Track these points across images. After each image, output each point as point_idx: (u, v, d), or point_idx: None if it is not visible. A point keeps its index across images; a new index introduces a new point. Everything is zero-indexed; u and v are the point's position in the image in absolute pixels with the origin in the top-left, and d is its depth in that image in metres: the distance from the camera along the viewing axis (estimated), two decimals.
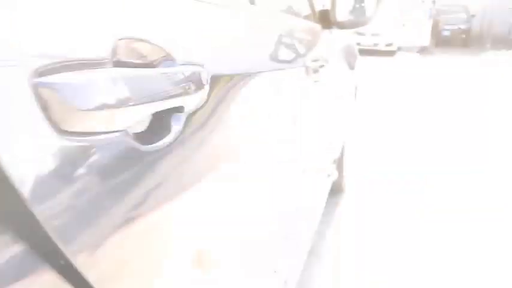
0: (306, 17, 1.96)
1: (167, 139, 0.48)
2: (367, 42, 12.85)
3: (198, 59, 0.56)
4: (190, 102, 0.52)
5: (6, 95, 0.32)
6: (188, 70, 0.52)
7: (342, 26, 2.00)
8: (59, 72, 0.35)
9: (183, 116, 0.51)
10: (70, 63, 0.37)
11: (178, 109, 0.51)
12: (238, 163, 0.73)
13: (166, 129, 0.49)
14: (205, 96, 0.56)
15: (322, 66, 1.45)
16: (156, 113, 0.47)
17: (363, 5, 2.08)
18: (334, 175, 2.41)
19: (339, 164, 2.59)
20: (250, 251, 0.88)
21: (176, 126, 0.50)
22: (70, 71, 0.36)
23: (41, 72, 0.34)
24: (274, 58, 1.00)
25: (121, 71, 0.41)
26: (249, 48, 0.84)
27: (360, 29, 12.86)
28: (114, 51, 0.41)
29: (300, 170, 1.32)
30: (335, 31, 2.30)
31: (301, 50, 1.31)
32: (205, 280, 0.65)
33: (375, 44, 12.85)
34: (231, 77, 0.68)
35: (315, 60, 1.40)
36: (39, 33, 0.36)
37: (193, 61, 0.55)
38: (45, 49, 0.36)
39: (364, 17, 2.00)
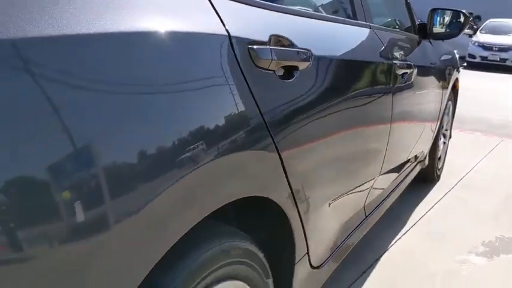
0: (407, 29, 2.47)
1: (291, 79, 1.08)
2: (495, 57, 12.45)
3: (307, 47, 1.15)
4: (301, 65, 1.12)
5: (238, 53, 0.93)
6: (301, 51, 1.12)
7: (436, 37, 2.47)
8: (255, 44, 0.97)
9: (298, 72, 1.11)
10: (255, 41, 0.98)
11: (296, 68, 1.11)
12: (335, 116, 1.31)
13: (291, 76, 1.09)
14: (310, 63, 1.15)
15: (408, 66, 1.95)
16: (286, 67, 1.07)
17: (459, 20, 2.51)
18: (425, 162, 2.85)
19: (432, 156, 3.00)
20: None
21: (295, 75, 1.10)
22: (254, 44, 0.97)
23: (249, 43, 0.96)
24: (365, 55, 1.57)
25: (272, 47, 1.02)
26: (343, 45, 1.44)
27: (488, 43, 12.54)
28: (269, 39, 1.02)
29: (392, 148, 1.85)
30: (439, 43, 2.77)
31: (392, 52, 1.84)
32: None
33: (502, 60, 12.37)
34: (327, 58, 1.27)
35: (403, 61, 1.92)
36: (250, 30, 0.99)
37: (304, 47, 1.14)
38: (250, 36, 0.98)
39: (457, 30, 2.44)
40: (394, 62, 1.80)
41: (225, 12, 0.93)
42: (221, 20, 0.90)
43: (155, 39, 0.74)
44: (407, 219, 2.60)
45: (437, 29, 2.50)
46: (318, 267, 1.40)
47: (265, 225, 1.16)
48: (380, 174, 1.89)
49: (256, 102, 0.95)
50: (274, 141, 1.00)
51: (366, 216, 1.88)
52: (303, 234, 1.22)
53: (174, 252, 0.76)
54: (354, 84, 1.44)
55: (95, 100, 0.62)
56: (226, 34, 0.90)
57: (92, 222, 0.59)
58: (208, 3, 0.90)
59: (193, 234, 0.80)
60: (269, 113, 0.99)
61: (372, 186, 1.84)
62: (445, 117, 3.12)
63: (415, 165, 2.64)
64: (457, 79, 3.20)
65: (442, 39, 2.57)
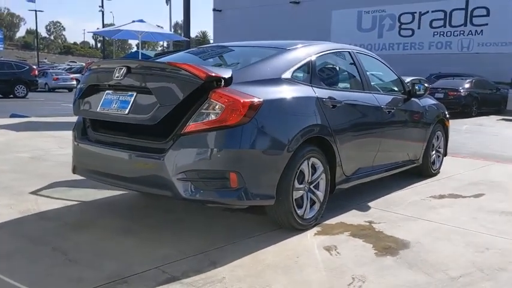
0: (403, 93, 5.13)
1: (334, 109, 3.84)
2: None
3: (340, 99, 3.94)
4: (337, 104, 3.89)
5: (320, 101, 3.72)
6: (338, 100, 3.88)
7: (415, 96, 5.11)
8: (324, 99, 3.75)
9: (337, 106, 3.88)
10: (324, 98, 3.76)
11: (336, 105, 3.88)
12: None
13: (335, 107, 3.86)
14: (341, 104, 3.92)
15: (392, 108, 4.62)
16: (333, 104, 3.84)
17: (426, 86, 5.17)
18: (419, 161, 5.35)
19: (426, 160, 5.47)
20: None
21: (336, 107, 3.86)
22: (324, 99, 3.76)
23: (323, 98, 3.76)
24: (365, 103, 4.30)
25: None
26: (356, 100, 4.22)
27: None
28: (328, 97, 3.80)
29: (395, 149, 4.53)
30: (426, 98, 5.41)
31: (382, 102, 4.53)
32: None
33: None
34: (348, 103, 4.03)
35: (388, 106, 4.60)
36: None
37: (339, 99, 3.92)
38: (323, 96, 3.77)
39: (423, 92, 5.11)
40: (382, 106, 4.49)
41: (317, 90, 3.74)
42: (315, 92, 3.71)
43: (297, 100, 3.55)
44: (405, 186, 5.12)
45: (418, 91, 5.13)
46: (346, 176, 4.06)
47: (325, 149, 3.83)
48: (377, 154, 4.49)
49: (325, 115, 3.72)
50: (330, 128, 3.74)
51: (373, 171, 4.50)
52: (338, 155, 3.89)
53: (300, 148, 3.48)
54: (361, 114, 4.19)
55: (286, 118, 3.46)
56: (316, 96, 3.69)
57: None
58: (312, 90, 3.70)
59: (303, 145, 3.50)
60: (329, 119, 3.74)
61: (374, 158, 4.46)
62: (434, 141, 5.62)
63: (411, 161, 5.19)
64: (443, 119, 5.73)
65: (420, 97, 5.19)
